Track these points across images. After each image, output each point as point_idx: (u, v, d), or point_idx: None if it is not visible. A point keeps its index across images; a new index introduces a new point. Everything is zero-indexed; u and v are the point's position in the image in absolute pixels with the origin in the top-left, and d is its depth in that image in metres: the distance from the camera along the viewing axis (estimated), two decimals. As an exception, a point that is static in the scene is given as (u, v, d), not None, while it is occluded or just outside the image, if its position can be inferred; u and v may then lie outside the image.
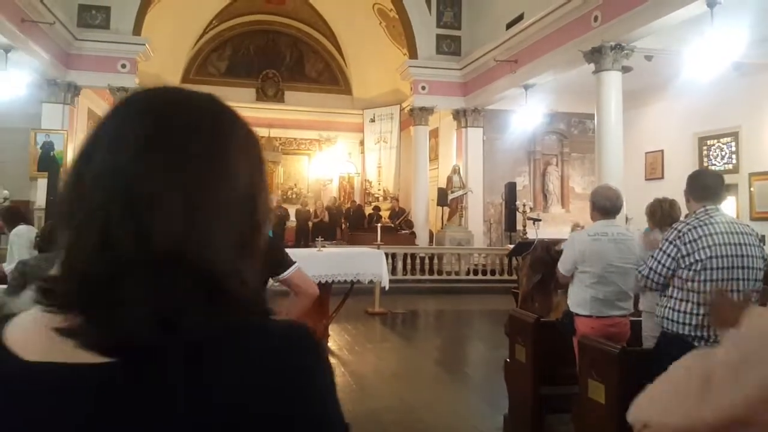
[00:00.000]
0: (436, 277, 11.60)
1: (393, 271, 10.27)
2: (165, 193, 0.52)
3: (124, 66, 11.69)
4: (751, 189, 9.78)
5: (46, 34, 10.23)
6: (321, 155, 17.64)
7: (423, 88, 13.47)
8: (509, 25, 11.34)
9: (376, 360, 6.17)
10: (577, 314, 3.40)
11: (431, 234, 13.48)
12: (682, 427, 1.10)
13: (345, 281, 6.79)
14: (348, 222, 14.19)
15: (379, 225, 10.85)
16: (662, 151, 11.95)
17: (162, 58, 13.41)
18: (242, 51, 17.62)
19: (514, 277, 9.77)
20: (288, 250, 6.30)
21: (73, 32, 11.24)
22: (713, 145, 10.83)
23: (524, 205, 11.78)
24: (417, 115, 13.61)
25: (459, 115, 13.55)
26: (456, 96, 13.50)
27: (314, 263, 6.24)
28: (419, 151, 13.73)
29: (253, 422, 0.50)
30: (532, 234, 10.40)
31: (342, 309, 7.07)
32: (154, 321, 0.49)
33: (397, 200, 14.71)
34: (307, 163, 17.76)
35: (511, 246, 7.24)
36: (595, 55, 8.69)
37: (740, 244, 2.63)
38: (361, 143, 17.01)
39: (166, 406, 0.49)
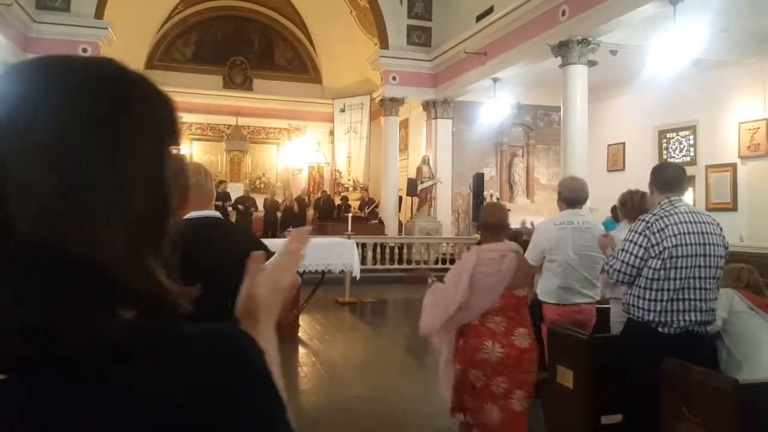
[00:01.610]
0: (405, 266, 11.69)
1: (363, 260, 10.30)
2: (41, 174, 0.45)
3: (85, 50, 11.28)
4: (708, 181, 10.17)
5: (3, 16, 9.80)
6: (290, 144, 17.47)
7: (393, 78, 13.46)
8: (479, 18, 11.42)
9: (346, 349, 6.21)
10: (545, 302, 3.49)
11: (401, 224, 13.56)
12: (439, 321, 2.75)
13: (316, 271, 6.79)
14: (317, 212, 14.13)
15: (350, 215, 10.85)
16: (624, 143, 12.29)
17: (125, 42, 12.99)
18: (209, 37, 17.23)
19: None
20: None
21: (31, 14, 10.79)
22: (672, 138, 11.21)
23: (491, 196, 11.97)
24: (387, 106, 13.61)
25: (429, 107, 13.60)
26: (426, 87, 13.54)
27: (284, 254, 6.23)
28: (389, 142, 13.74)
29: None
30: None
31: (312, 299, 7.07)
32: (21, 330, 0.43)
33: (367, 190, 14.70)
34: (276, 153, 17.57)
35: (479, 236, 7.37)
36: (562, 48, 8.84)
37: (703, 233, 2.73)
38: (331, 133, 16.91)
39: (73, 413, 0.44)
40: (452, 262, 11.89)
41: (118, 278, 0.46)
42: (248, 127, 17.06)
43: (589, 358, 2.99)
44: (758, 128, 9.36)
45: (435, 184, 12.79)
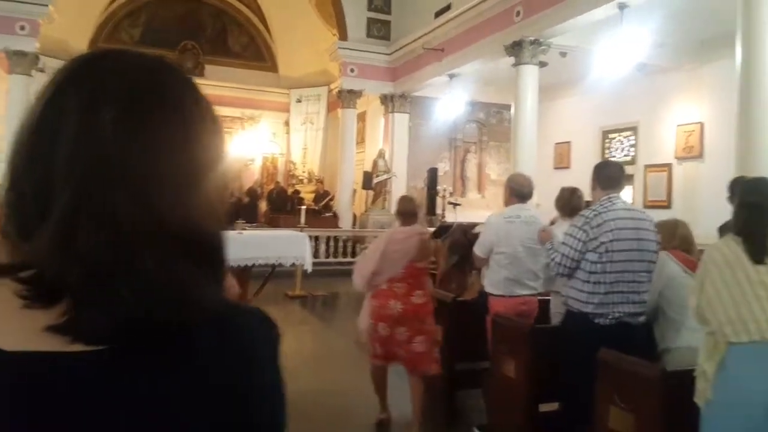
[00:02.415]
0: (359, 259, 11.70)
1: (315, 253, 10.25)
2: (153, 165, 0.49)
3: (23, 28, 10.70)
4: (646, 179, 10.67)
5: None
6: (243, 134, 17.12)
7: (352, 70, 13.41)
8: (438, 14, 11.53)
9: (295, 343, 6.16)
10: (491, 294, 3.60)
11: (355, 217, 13.57)
12: (360, 281, 3.56)
13: (266, 264, 6.71)
14: (270, 204, 13.94)
15: (303, 207, 10.77)
16: (570, 142, 12.71)
17: (68, 21, 12.39)
18: (159, 19, 16.64)
19: (433, 258, 10.06)
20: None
21: (-36, -14, 10.16)
22: (615, 138, 11.71)
23: (445, 190, 12.13)
24: (345, 98, 13.55)
25: (387, 100, 13.63)
26: (384, 81, 13.56)
27: (234, 246, 6.11)
28: (346, 135, 13.70)
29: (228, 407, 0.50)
30: (450, 218, 10.76)
31: (261, 292, 6.99)
32: (169, 302, 0.47)
33: (322, 183, 14.62)
34: (228, 142, 17.16)
35: (432, 229, 7.45)
36: (516, 48, 9.04)
37: (638, 229, 2.88)
38: (287, 123, 16.70)
39: (163, 390, 0.47)
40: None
41: (214, 256, 0.52)
42: (199, 114, 16.63)
43: (531, 349, 3.10)
44: (693, 131, 9.87)
45: (390, 177, 12.86)
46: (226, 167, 0.58)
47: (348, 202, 13.43)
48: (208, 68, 16.74)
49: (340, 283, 9.91)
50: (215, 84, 16.37)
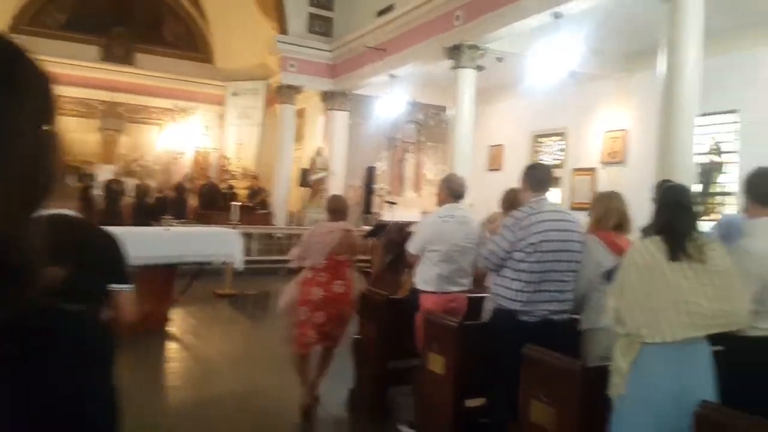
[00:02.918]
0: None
1: (248, 251, 9.99)
2: None
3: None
4: (573, 182, 11.15)
5: None
6: (174, 126, 16.47)
7: (292, 66, 13.20)
8: (380, 13, 11.54)
9: (222, 343, 5.95)
10: (423, 291, 3.61)
11: (290, 214, 13.35)
12: (296, 257, 3.98)
13: (195, 262, 6.45)
14: (200, 199, 13.44)
15: (237, 204, 10.44)
16: (503, 145, 13.09)
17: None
18: (87, 3, 15.72)
19: (362, 256, 10.06)
20: (124, 229, 5.78)
21: None
22: (545, 142, 12.17)
23: (382, 189, 12.16)
24: (284, 93, 13.32)
25: (326, 97, 13.51)
26: (325, 77, 13.43)
27: (159, 244, 5.84)
28: (284, 131, 13.46)
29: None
30: (387, 216, 10.79)
31: (189, 291, 6.72)
32: None
33: (257, 179, 14.30)
34: (158, 134, 16.45)
35: (368, 228, 7.45)
36: (455, 52, 9.19)
37: (564, 230, 2.96)
38: (221, 117, 16.22)
39: None
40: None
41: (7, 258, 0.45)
42: (127, 104, 15.79)
43: (459, 345, 3.13)
44: (618, 137, 10.40)
45: (328, 175, 12.75)
46: (50, 164, 0.49)
47: (284, 199, 13.19)
48: (140, 57, 15.98)
49: (273, 281, 9.69)
50: (146, 73, 15.70)
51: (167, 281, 6.21)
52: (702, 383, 2.08)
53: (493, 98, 12.29)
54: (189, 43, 16.86)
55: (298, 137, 14.42)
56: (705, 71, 6.03)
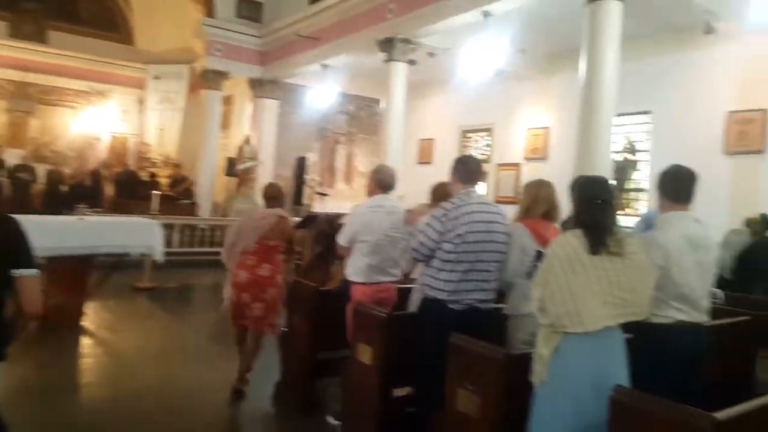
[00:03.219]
0: (217, 249, 11.09)
1: (169, 243, 9.57)
2: None
3: None
4: (498, 177, 11.54)
5: None
6: (90, 110, 15.45)
7: (218, 50, 12.73)
8: (313, 1, 11.34)
9: (140, 338, 5.66)
10: (353, 281, 3.60)
11: (215, 205, 12.91)
12: (228, 246, 4.19)
13: (112, 254, 6.11)
14: (118, 188, 12.71)
15: (158, 193, 9.95)
16: (433, 139, 13.32)
17: None
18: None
19: (298, 248, 9.92)
20: (35, 218, 5.42)
21: None
22: (473, 137, 12.52)
23: (313, 180, 12.02)
24: (210, 79, 12.83)
25: (255, 85, 13.16)
26: (253, 64, 13.06)
27: (72, 234, 5.49)
28: (210, 117, 12.96)
29: None
30: (317, 208, 10.70)
31: (105, 284, 6.37)
32: None
33: (179, 167, 13.72)
34: (72, 118, 15.38)
35: (299, 219, 7.33)
36: (387, 45, 9.20)
37: (490, 221, 3.03)
38: (141, 101, 15.39)
39: None
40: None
41: None
42: (38, 85, 14.63)
43: (387, 335, 3.14)
44: (540, 134, 10.86)
45: (256, 164, 12.44)
46: None
47: (209, 188, 12.74)
48: (53, 35, 14.79)
49: (196, 274, 9.36)
50: (59, 53, 14.60)
51: (82, 274, 5.84)
52: (617, 369, 2.20)
53: (424, 93, 12.44)
54: (107, 22, 15.80)
55: (225, 125, 13.95)
56: (621, 73, 6.38)
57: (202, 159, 12.87)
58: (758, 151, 7.80)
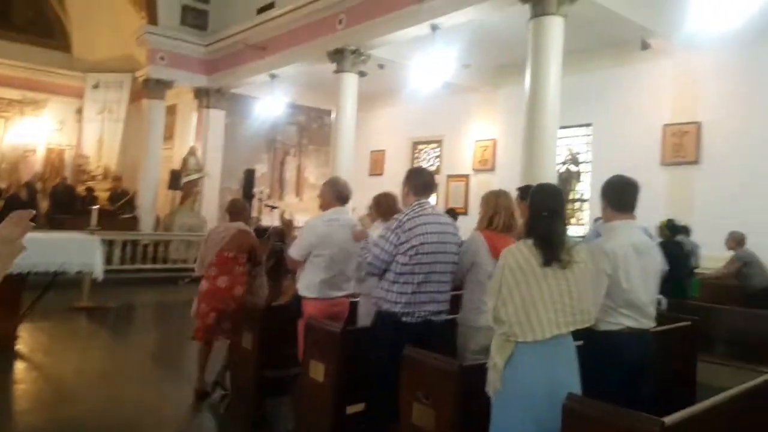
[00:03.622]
0: (160, 266, 10.69)
1: (109, 260, 9.14)
2: None
3: None
4: (448, 188, 11.68)
5: None
6: (23, 120, 14.66)
7: (162, 58, 12.37)
8: (260, 11, 11.20)
9: (79, 361, 5.35)
10: (305, 297, 3.50)
11: (158, 219, 12.45)
12: (200, 263, 4.38)
13: (46, 273, 5.75)
14: (53, 202, 12.07)
15: (97, 208, 9.48)
16: (384, 150, 13.39)
17: None
18: None
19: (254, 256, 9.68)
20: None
21: None
22: (424, 149, 12.67)
23: (262, 192, 11.80)
24: (152, 88, 12.43)
25: (201, 94, 12.85)
26: (199, 73, 12.76)
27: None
28: (152, 128, 12.53)
29: None
30: (266, 221, 10.49)
31: (40, 305, 5.99)
32: None
33: (120, 180, 13.19)
34: (3, 128, 14.54)
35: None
36: (337, 56, 9.18)
37: (443, 232, 3.02)
38: (79, 111, 14.74)
39: None
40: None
41: None
42: (-34, 93, 13.83)
43: (341, 351, 3.07)
44: (488, 146, 11.09)
45: (202, 177, 12.10)
46: None
47: (151, 202, 12.27)
48: (-19, 40, 14.04)
49: (138, 292, 8.97)
50: (-11, 59, 13.80)
51: (14, 293, 5.47)
52: (569, 377, 2.22)
53: (375, 104, 12.50)
54: (43, 28, 15.10)
55: (168, 136, 13.53)
56: (563, 87, 6.60)
57: (144, 171, 12.40)
58: (693, 162, 8.23)
